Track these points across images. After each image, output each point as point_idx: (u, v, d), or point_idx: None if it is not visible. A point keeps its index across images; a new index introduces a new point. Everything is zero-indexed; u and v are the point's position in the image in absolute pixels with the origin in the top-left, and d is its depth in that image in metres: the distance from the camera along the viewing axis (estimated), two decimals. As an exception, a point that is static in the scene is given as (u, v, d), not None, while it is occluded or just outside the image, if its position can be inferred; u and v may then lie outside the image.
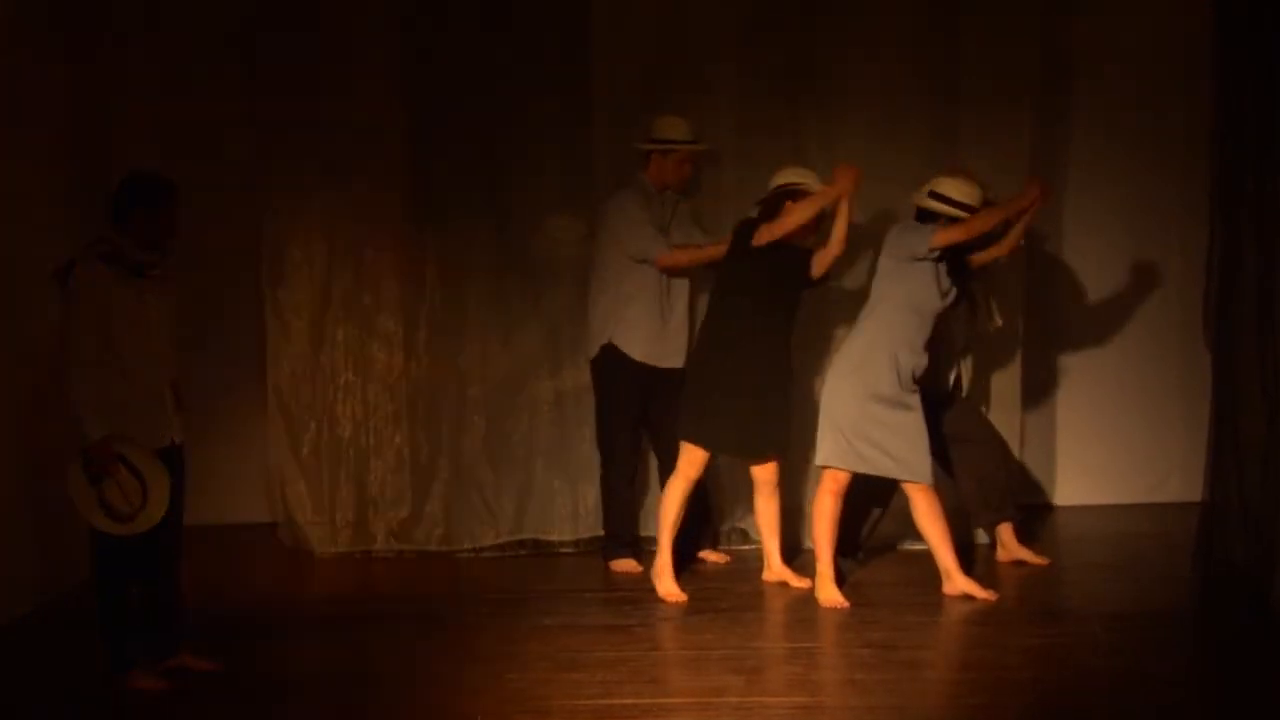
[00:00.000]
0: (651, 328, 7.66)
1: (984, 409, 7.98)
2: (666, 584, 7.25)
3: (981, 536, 7.84)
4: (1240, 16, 6.94)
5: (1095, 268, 8.72)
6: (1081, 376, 8.83)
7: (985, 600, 7.00)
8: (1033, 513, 8.37)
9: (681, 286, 7.75)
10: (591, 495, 8.16)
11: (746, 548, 8.03)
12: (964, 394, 7.69)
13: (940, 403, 7.45)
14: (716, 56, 8.09)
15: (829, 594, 7.06)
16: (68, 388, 5.83)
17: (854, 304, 7.49)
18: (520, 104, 8.14)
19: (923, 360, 7.07)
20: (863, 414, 6.99)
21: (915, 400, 7.05)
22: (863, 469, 7.07)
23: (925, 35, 8.05)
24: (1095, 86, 8.63)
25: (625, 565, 7.76)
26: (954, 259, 7.11)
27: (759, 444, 7.32)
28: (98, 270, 5.87)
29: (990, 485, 7.55)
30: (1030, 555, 7.61)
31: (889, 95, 8.07)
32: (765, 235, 7.11)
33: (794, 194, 7.19)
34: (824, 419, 7.11)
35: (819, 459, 7.15)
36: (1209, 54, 7.28)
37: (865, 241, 7.66)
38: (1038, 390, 8.71)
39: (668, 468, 7.48)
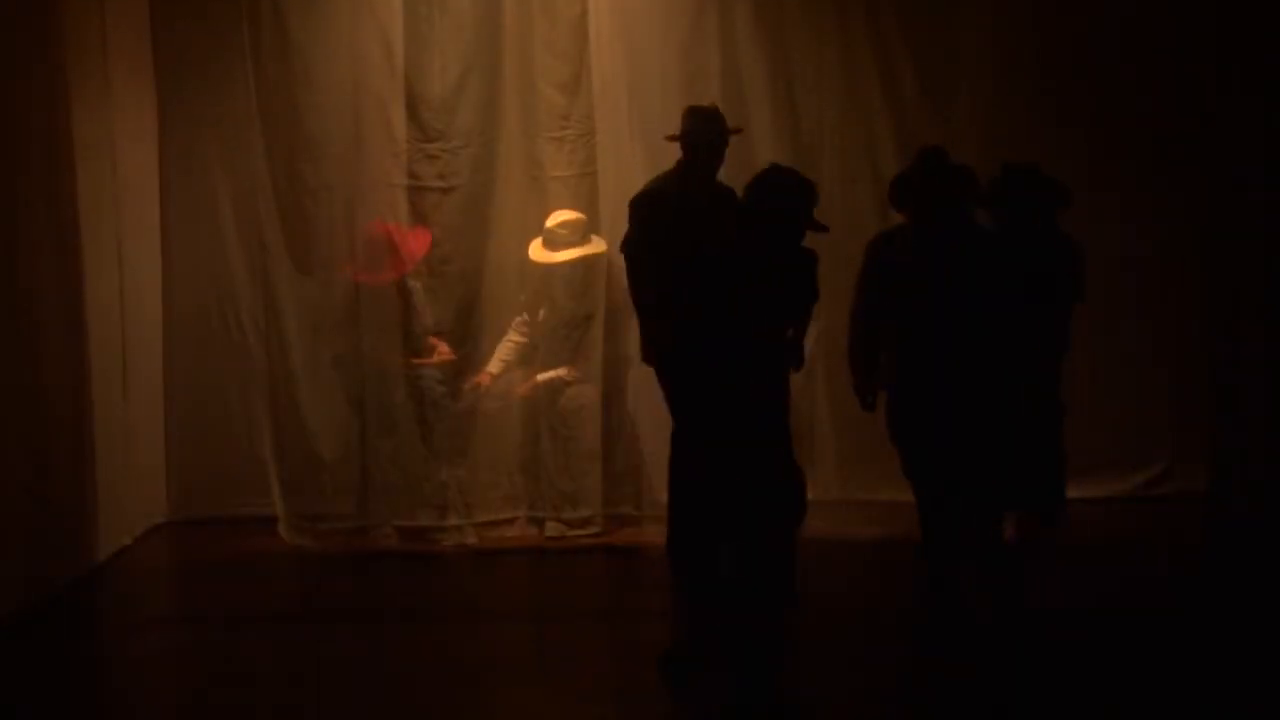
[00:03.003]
0: None
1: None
2: None
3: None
4: (1242, 14, 6.97)
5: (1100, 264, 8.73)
6: (1080, 369, 8.84)
7: None
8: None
9: None
10: (595, 492, 8.16)
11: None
12: None
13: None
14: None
15: None
16: None
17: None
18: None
19: None
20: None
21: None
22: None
23: (926, 35, 8.06)
24: (1100, 85, 8.64)
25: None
26: None
27: None
28: None
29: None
30: None
31: (890, 93, 8.11)
32: None
33: None
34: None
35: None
36: (1212, 51, 7.31)
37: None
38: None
39: None
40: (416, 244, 8.34)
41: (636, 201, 7.45)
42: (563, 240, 8.25)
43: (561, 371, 8.30)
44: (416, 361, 8.29)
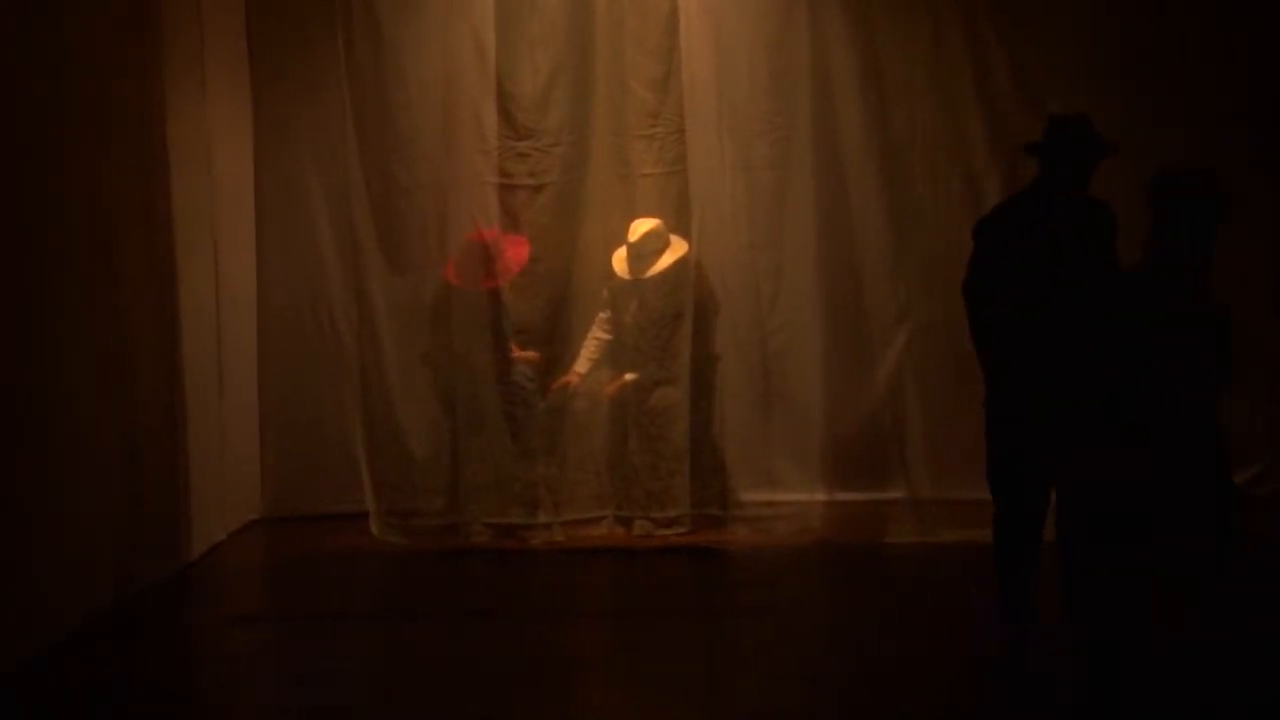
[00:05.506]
0: None
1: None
2: None
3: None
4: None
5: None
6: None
7: None
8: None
9: None
10: (682, 491, 8.14)
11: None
12: None
13: None
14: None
15: None
16: None
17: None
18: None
19: None
20: None
21: None
22: None
23: (1019, 32, 8.04)
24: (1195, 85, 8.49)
25: None
26: None
27: None
28: None
29: None
30: None
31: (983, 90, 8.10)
32: None
33: None
34: None
35: None
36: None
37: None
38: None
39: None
40: (515, 253, 8.38)
41: (981, 226, 6.31)
42: (650, 251, 8.25)
43: (636, 375, 8.31)
44: (518, 355, 8.34)
